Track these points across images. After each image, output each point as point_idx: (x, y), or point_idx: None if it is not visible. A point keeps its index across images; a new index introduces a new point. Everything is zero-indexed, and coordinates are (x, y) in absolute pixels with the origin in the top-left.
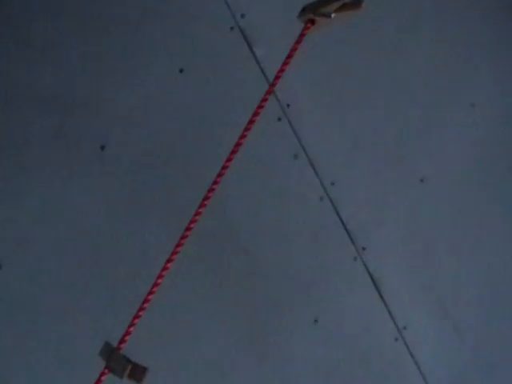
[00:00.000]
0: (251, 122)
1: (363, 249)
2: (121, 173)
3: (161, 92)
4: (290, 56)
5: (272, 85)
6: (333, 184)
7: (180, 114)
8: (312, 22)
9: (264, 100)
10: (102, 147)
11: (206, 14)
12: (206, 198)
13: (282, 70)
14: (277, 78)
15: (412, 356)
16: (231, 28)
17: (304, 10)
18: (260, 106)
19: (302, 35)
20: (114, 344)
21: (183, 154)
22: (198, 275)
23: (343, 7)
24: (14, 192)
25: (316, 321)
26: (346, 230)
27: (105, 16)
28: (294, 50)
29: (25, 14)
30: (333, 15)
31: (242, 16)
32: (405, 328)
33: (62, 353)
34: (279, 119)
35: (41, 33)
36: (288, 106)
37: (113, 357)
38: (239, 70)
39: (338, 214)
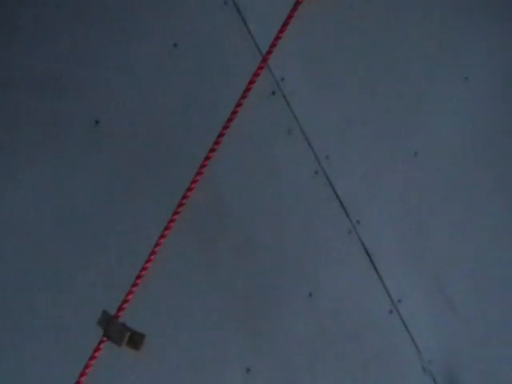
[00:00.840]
0: (247, 89)
1: (358, 222)
2: (115, 148)
3: (155, 66)
4: (285, 24)
5: (267, 53)
6: (327, 158)
7: (174, 87)
8: None
9: (260, 68)
10: (97, 122)
11: None
12: (202, 166)
13: (278, 38)
14: (272, 45)
15: (406, 328)
16: (225, 2)
17: None
18: (256, 74)
19: (297, 3)
20: (112, 312)
21: (177, 128)
22: (193, 249)
23: None
24: (8, 170)
25: (311, 294)
26: (340, 203)
27: None
28: (289, 17)
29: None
30: None
31: None
32: (399, 301)
33: (60, 322)
34: (273, 93)
35: (32, 12)
36: (282, 79)
37: (111, 325)
38: (233, 44)
39: (332, 187)
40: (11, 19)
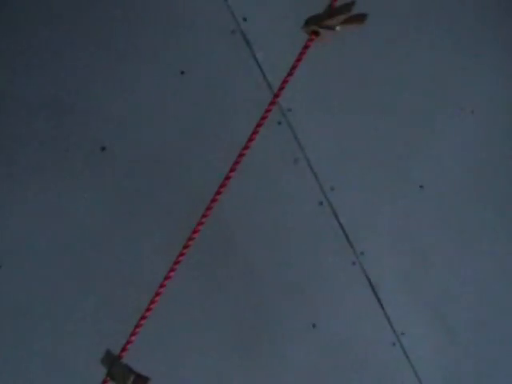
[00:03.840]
0: (256, 129)
1: (362, 253)
2: (121, 174)
3: (162, 94)
4: (294, 67)
5: (276, 96)
6: (332, 189)
7: (181, 115)
8: (316, 33)
9: (267, 111)
10: (103, 148)
11: (208, 17)
12: (213, 200)
13: (285, 81)
14: (280, 88)
15: (409, 361)
16: (232, 31)
17: (308, 22)
18: (264, 117)
19: (305, 47)
20: (116, 352)
21: (184, 156)
22: (196, 280)
23: (347, 20)
24: (13, 195)
25: (314, 325)
26: (345, 234)
27: (105, 18)
28: (298, 60)
29: (22, 19)
30: (337, 28)
31: (244, 19)
32: (402, 333)
33: (63, 360)
34: (279, 123)
35: (40, 36)
36: (289, 110)
37: (115, 365)
38: (240, 73)
39: (337, 218)
40: (19, 41)
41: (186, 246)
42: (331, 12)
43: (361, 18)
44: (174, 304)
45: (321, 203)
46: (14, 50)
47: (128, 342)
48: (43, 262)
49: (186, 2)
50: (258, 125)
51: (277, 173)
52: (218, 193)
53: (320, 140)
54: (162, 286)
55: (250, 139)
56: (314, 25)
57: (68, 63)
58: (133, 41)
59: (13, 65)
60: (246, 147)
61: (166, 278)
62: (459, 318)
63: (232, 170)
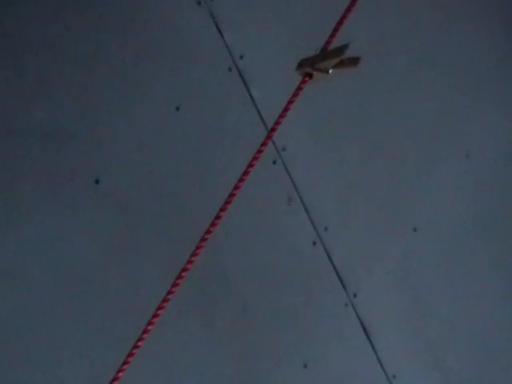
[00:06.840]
0: (246, 172)
1: (355, 295)
2: (115, 209)
3: (157, 129)
4: (286, 109)
5: (268, 137)
6: (326, 229)
7: (175, 151)
8: (309, 75)
9: (260, 151)
10: (97, 181)
11: (205, 54)
12: (203, 239)
13: (278, 123)
14: (272, 130)
15: None
16: (229, 69)
17: (301, 64)
18: (255, 158)
19: (298, 89)
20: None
21: (178, 192)
22: (188, 318)
23: (341, 63)
24: (7, 224)
25: (305, 366)
26: (338, 275)
27: (102, 52)
28: (290, 102)
29: (20, 46)
30: (330, 71)
31: (241, 57)
32: (394, 377)
33: None
34: (274, 162)
35: (36, 66)
36: (283, 149)
37: None
38: (236, 110)
39: (330, 259)
40: (16, 69)
41: (174, 285)
42: (325, 54)
43: (354, 61)
44: (163, 338)
45: (314, 243)
46: (8, 78)
47: (114, 379)
48: (35, 291)
49: (182, 38)
50: (251, 165)
51: (271, 212)
52: (208, 232)
53: (314, 180)
54: (150, 323)
55: (242, 178)
56: (307, 67)
57: (62, 96)
58: (128, 76)
59: (6, 94)
60: (236, 187)
61: (154, 315)
62: (453, 362)
63: (223, 209)
